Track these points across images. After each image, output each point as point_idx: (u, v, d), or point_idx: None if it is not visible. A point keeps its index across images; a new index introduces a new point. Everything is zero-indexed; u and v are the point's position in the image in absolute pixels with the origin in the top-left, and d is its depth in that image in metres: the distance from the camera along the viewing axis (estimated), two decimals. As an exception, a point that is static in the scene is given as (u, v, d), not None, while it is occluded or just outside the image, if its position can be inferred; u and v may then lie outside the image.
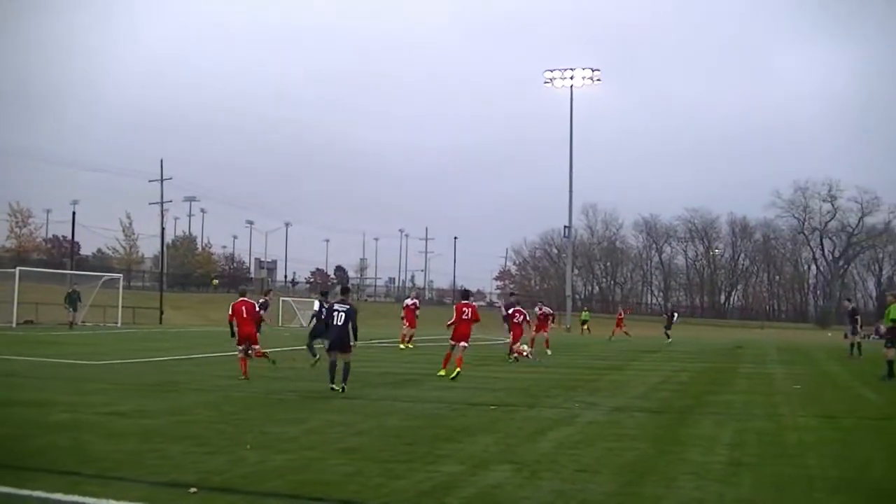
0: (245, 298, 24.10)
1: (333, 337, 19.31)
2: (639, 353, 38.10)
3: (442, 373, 23.67)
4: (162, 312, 78.26)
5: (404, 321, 40.08)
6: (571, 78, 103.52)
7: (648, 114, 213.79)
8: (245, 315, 23.56)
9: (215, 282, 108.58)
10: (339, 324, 19.09)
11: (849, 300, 52.10)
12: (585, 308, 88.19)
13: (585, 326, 72.78)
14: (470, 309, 24.76)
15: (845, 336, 41.57)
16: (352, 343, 19.29)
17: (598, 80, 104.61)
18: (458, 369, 23.27)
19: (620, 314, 58.91)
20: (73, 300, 56.12)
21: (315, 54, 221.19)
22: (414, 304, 41.09)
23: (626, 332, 55.44)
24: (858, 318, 39.67)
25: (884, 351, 25.58)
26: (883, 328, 27.44)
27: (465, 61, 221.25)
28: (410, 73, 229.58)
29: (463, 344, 24.03)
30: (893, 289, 60.71)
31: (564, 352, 38.28)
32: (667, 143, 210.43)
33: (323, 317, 23.07)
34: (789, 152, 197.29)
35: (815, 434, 13.63)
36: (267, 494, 8.71)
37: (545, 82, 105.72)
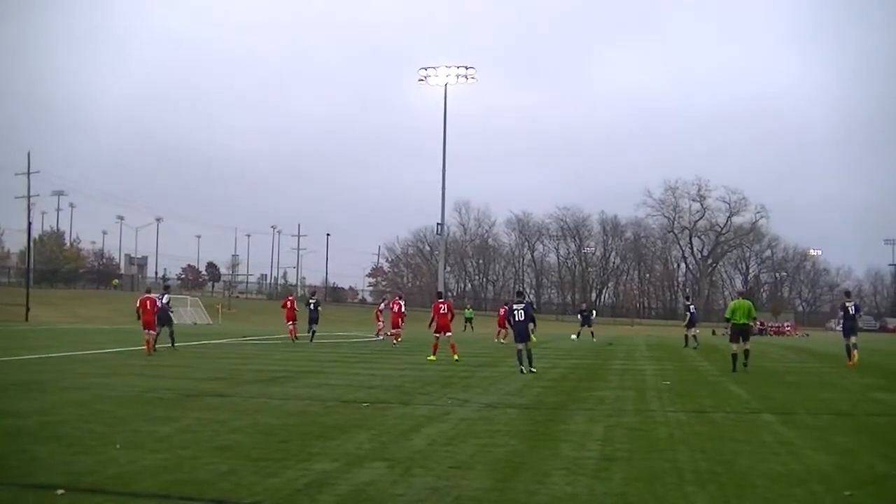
0: (149, 294, 32.70)
1: (517, 330, 25.05)
2: (512, 350, 38.27)
3: (432, 358, 29.52)
4: (28, 309, 76.79)
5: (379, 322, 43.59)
6: (446, 76, 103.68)
7: (522, 113, 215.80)
8: (148, 307, 31.47)
9: (115, 281, 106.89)
10: (521, 319, 24.99)
11: (687, 298, 59.94)
12: (468, 305, 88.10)
13: (469, 324, 72.72)
14: (445, 305, 30.49)
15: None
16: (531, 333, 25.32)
17: (473, 78, 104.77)
18: (455, 356, 29.21)
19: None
20: None
21: (179, 53, 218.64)
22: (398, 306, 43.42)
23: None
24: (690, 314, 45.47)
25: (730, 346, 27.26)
26: (770, 325, 28.78)
27: (340, 58, 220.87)
28: (285, 69, 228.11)
29: (448, 333, 29.96)
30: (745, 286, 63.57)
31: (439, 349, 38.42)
32: (540, 142, 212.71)
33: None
34: (661, 153, 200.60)
35: (684, 428, 13.83)
36: (138, 495, 8.59)
37: (419, 80, 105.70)
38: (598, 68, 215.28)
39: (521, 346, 24.76)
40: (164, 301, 34.61)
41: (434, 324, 30.16)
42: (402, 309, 41.98)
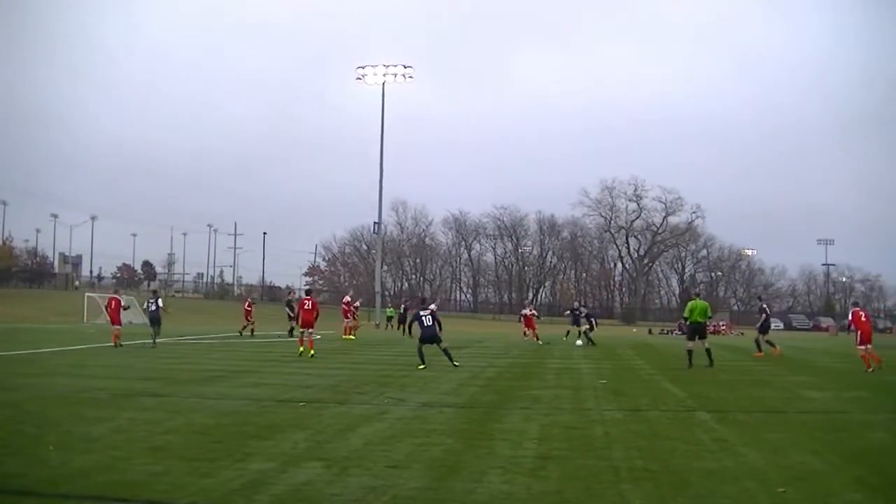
0: (115, 295, 38.70)
1: (425, 335, 26.10)
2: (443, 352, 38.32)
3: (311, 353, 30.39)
4: (-42, 308, 75.93)
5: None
6: (384, 74, 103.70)
7: (460, 112, 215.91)
8: (114, 306, 36.60)
9: (77, 283, 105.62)
10: (429, 324, 26.08)
11: (579, 302, 61.57)
12: (391, 305, 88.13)
13: (390, 323, 72.63)
14: (310, 302, 32.00)
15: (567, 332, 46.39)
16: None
17: (411, 77, 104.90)
18: (312, 351, 30.39)
19: (527, 313, 56.05)
20: None
21: (108, 49, 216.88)
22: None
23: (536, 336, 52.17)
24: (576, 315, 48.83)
25: (685, 343, 28.65)
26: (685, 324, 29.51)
27: (274, 56, 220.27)
28: (217, 68, 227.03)
29: (311, 329, 31.17)
30: (696, 287, 64.81)
31: (375, 348, 38.39)
32: (477, 141, 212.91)
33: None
34: (597, 152, 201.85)
35: (620, 427, 13.91)
36: (69, 496, 8.52)
37: (357, 78, 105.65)
38: (534, 68, 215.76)
39: (422, 346, 25.98)
40: (159, 303, 37.65)
41: (300, 319, 32.97)
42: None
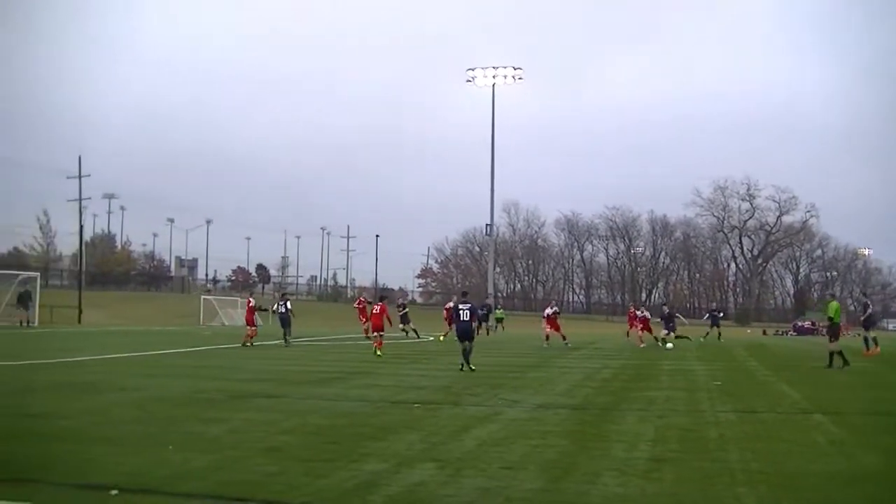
0: (251, 298, 42.81)
1: (461, 329, 25.62)
2: (562, 351, 38.25)
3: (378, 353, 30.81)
4: (81, 311, 77.33)
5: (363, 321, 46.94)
6: (494, 76, 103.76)
7: (570, 112, 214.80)
8: (249, 308, 40.51)
9: (210, 286, 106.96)
10: (466, 318, 25.51)
11: (664, 304, 59.50)
12: (500, 306, 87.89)
13: (500, 325, 72.40)
14: (379, 307, 32.52)
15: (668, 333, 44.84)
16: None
17: (520, 78, 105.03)
18: (378, 352, 30.78)
19: (633, 312, 55.71)
20: (24, 300, 56.50)
21: (233, 54, 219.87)
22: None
23: (640, 335, 51.24)
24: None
25: (828, 344, 28.47)
26: (820, 324, 29.75)
27: (388, 57, 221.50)
28: (339, 70, 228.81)
29: (381, 333, 31.74)
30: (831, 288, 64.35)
31: (485, 350, 38.43)
32: (588, 141, 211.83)
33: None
34: (709, 151, 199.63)
35: (735, 429, 13.76)
36: (189, 495, 8.63)
37: (467, 80, 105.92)
38: (639, 67, 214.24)
39: (464, 343, 25.23)
40: (288, 306, 40.08)
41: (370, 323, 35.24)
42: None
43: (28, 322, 57.23)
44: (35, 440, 11.76)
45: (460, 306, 26.04)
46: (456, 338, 26.37)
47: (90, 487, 8.88)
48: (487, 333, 56.23)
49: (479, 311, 47.17)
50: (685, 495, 8.98)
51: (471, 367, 24.40)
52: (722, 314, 49.63)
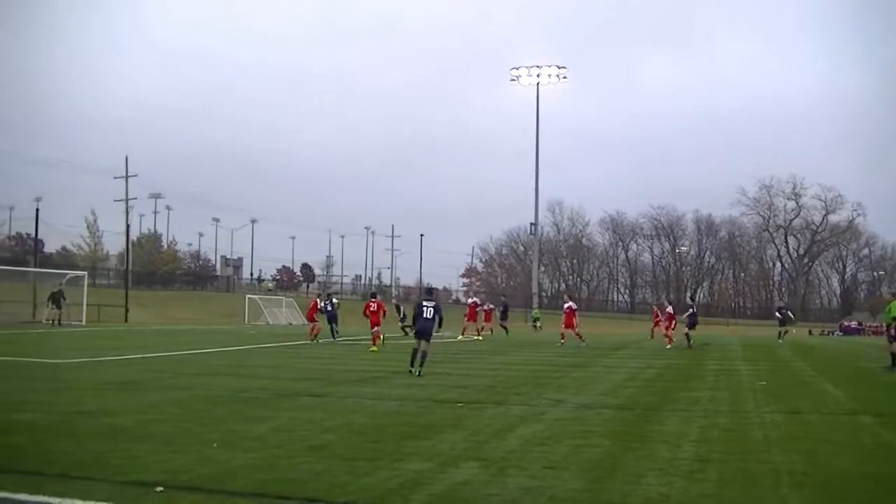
0: (316, 298, 46.17)
1: (420, 327, 23.83)
2: (606, 351, 38.18)
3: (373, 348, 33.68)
4: (127, 310, 77.89)
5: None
6: (538, 76, 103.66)
7: (614, 111, 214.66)
8: (312, 307, 44.08)
9: (270, 285, 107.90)
10: (428, 317, 23.76)
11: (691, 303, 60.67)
12: (536, 306, 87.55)
13: (537, 324, 72.46)
14: (376, 304, 36.00)
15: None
16: (436, 332, 24.26)
17: (565, 77, 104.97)
18: (374, 347, 33.95)
19: (657, 313, 56.80)
20: (57, 299, 56.85)
21: (278, 53, 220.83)
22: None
23: (667, 334, 51.49)
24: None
25: (889, 344, 27.98)
26: (870, 325, 29.18)
27: (432, 56, 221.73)
28: (383, 69, 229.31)
29: (377, 328, 35.00)
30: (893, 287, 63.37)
31: (531, 348, 38.40)
32: (633, 140, 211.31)
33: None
34: (754, 150, 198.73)
35: (780, 430, 13.67)
36: (233, 493, 8.67)
37: (511, 80, 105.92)
38: (681, 67, 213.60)
39: (420, 343, 23.42)
40: (334, 302, 45.24)
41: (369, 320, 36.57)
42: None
43: (58, 321, 57.18)
44: (83, 437, 11.87)
45: (424, 304, 24.12)
46: (414, 335, 24.47)
47: (136, 484, 8.94)
48: (507, 332, 56.73)
49: (784, 311, 46.91)
50: (729, 497, 8.94)
51: (419, 373, 22.54)
52: (790, 312, 48.69)
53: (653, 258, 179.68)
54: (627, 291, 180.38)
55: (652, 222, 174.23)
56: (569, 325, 42.89)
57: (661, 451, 11.43)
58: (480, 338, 48.68)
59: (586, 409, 16.09)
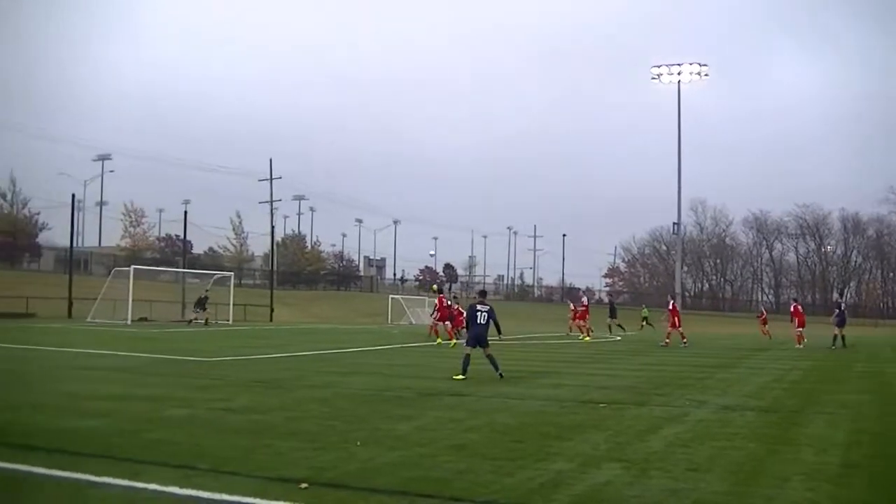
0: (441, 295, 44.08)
1: (475, 334, 22.17)
2: (749, 352, 37.73)
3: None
4: (272, 310, 79.15)
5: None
6: (679, 73, 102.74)
7: (757, 109, 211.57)
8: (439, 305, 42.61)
9: (434, 287, 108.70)
10: (482, 322, 22.11)
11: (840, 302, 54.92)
12: (644, 305, 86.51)
13: (645, 322, 71.95)
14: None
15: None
16: (495, 338, 23.06)
17: (706, 75, 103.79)
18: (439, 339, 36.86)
19: (763, 313, 58.06)
20: (202, 303, 59.08)
21: (422, 58, 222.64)
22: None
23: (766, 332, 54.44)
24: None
25: None
26: None
27: (571, 57, 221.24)
28: (519, 67, 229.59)
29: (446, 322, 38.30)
30: None
31: (670, 349, 38.12)
32: (776, 138, 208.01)
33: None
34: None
35: (932, 434, 13.41)
36: (377, 490, 8.76)
37: (652, 78, 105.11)
38: (836, 64, 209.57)
39: (470, 350, 22.17)
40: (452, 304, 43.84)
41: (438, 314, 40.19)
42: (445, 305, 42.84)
43: (206, 321, 59.62)
44: (230, 433, 12.16)
45: (478, 308, 22.55)
46: (465, 343, 23.06)
47: (281, 480, 9.09)
48: (610, 330, 55.77)
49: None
50: (877, 503, 8.80)
51: (500, 375, 21.69)
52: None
53: (797, 257, 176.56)
54: (772, 291, 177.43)
55: (797, 221, 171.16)
56: (674, 324, 42.90)
57: (806, 454, 11.26)
58: (588, 338, 48.18)
59: (730, 410, 15.92)
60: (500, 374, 21.63)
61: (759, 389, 20.23)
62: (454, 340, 39.15)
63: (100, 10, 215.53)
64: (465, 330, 25.18)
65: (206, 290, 62.45)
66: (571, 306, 55.33)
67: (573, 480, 9.38)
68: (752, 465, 10.51)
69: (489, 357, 22.01)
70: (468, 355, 22.02)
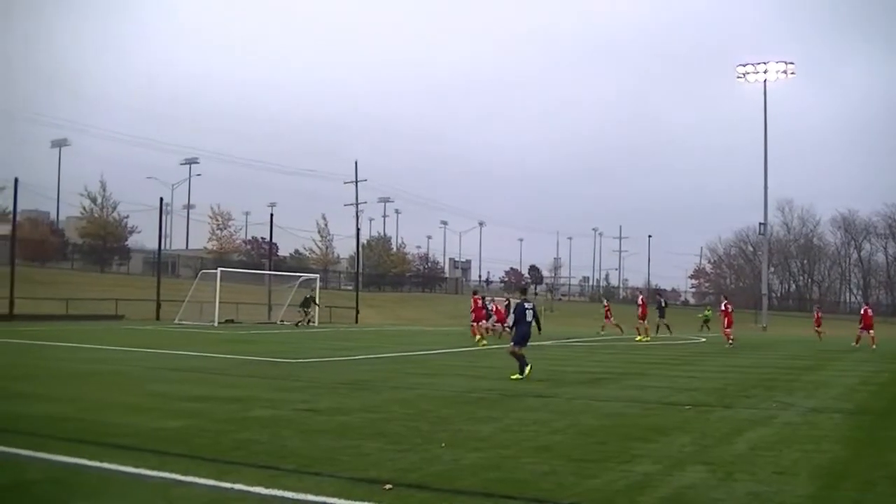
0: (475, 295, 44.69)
1: (525, 333, 21.86)
2: (838, 354, 37.33)
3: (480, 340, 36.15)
4: (358, 311, 79.51)
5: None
6: (765, 72, 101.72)
7: (845, 107, 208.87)
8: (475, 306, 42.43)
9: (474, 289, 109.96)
10: (530, 320, 21.88)
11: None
12: (708, 306, 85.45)
13: (705, 324, 70.66)
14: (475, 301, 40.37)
15: None
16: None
17: (793, 73, 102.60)
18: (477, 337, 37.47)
19: (818, 314, 58.26)
20: (309, 304, 63.06)
21: (503, 61, 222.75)
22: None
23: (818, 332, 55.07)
24: None
25: None
26: None
27: (654, 56, 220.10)
28: (605, 68, 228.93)
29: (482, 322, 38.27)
30: None
31: (757, 351, 37.80)
32: (864, 136, 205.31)
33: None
34: None
35: None
36: (460, 492, 8.80)
37: (738, 77, 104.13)
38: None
39: (519, 349, 21.77)
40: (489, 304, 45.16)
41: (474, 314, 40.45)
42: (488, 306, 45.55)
43: (306, 322, 61.34)
44: (314, 434, 12.25)
45: (526, 306, 22.08)
46: (513, 342, 22.21)
47: (365, 481, 9.16)
48: (657, 330, 53.48)
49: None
50: (966, 506, 8.71)
51: (528, 370, 21.52)
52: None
53: (887, 258, 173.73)
54: (860, 292, 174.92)
55: (886, 221, 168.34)
56: (727, 324, 42.90)
57: (894, 458, 11.16)
58: (647, 337, 47.69)
59: (817, 413, 15.79)
60: (523, 377, 21.29)
61: (847, 392, 20.04)
62: (484, 340, 39.46)
63: (190, 19, 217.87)
64: (508, 328, 25.22)
65: (312, 290, 63.73)
66: (605, 304, 55.55)
67: (657, 483, 9.37)
68: (838, 468, 10.44)
69: (522, 356, 21.72)
70: (523, 355, 21.75)
